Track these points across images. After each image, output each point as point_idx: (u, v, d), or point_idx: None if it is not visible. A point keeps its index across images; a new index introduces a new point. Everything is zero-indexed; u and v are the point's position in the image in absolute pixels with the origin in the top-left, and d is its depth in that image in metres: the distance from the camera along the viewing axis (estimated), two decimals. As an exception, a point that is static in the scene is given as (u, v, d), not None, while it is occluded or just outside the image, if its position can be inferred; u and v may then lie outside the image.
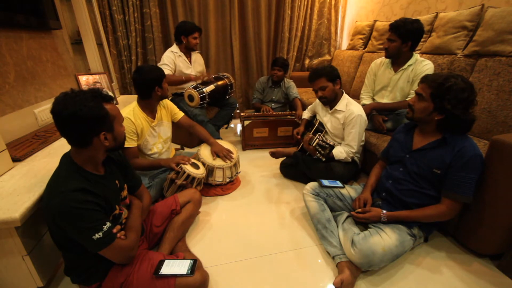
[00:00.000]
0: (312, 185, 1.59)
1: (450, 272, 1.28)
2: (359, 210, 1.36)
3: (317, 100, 2.01)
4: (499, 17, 1.68)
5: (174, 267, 1.10)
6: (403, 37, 1.79)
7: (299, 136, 2.13)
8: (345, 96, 1.81)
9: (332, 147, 1.61)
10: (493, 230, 1.23)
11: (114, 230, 0.94)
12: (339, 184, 1.57)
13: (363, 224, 1.42)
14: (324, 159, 1.67)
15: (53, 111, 0.84)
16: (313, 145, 1.64)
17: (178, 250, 1.33)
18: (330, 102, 1.82)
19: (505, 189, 1.15)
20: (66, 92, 0.86)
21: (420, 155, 1.28)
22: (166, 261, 1.11)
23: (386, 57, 1.97)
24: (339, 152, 1.78)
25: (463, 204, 1.20)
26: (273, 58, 3.44)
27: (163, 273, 1.06)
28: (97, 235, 0.86)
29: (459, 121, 1.15)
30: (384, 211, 1.30)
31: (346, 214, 1.46)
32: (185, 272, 1.08)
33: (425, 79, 1.22)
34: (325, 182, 1.56)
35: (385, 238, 1.21)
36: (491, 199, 1.19)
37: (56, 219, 0.85)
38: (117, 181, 1.06)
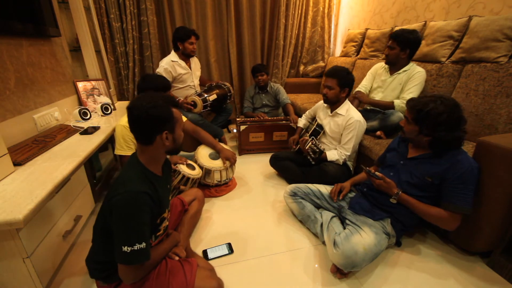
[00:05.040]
0: (290, 187, 1.69)
1: (442, 270, 1.32)
2: (380, 174, 1.34)
3: (319, 103, 2.12)
4: (483, 26, 1.76)
5: (217, 252, 1.42)
6: (401, 45, 1.96)
7: (294, 146, 2.21)
8: (347, 102, 1.90)
9: (322, 152, 1.78)
10: (482, 228, 1.27)
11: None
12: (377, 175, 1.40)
13: (343, 225, 1.44)
14: (313, 162, 1.82)
15: (129, 107, 0.93)
16: (306, 148, 1.79)
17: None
18: (329, 102, 1.91)
19: (492, 188, 1.20)
20: (143, 93, 0.97)
21: (414, 163, 1.32)
22: (208, 250, 1.43)
23: (386, 63, 2.13)
24: (332, 154, 1.86)
25: (462, 215, 1.20)
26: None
27: (212, 257, 1.38)
28: (125, 248, 0.86)
29: (445, 141, 1.19)
30: (400, 191, 1.31)
31: (331, 214, 1.50)
32: (227, 252, 1.42)
33: (408, 105, 1.28)
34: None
35: (365, 237, 1.23)
36: (479, 198, 1.24)
37: (112, 213, 0.88)
38: (168, 186, 1.14)
